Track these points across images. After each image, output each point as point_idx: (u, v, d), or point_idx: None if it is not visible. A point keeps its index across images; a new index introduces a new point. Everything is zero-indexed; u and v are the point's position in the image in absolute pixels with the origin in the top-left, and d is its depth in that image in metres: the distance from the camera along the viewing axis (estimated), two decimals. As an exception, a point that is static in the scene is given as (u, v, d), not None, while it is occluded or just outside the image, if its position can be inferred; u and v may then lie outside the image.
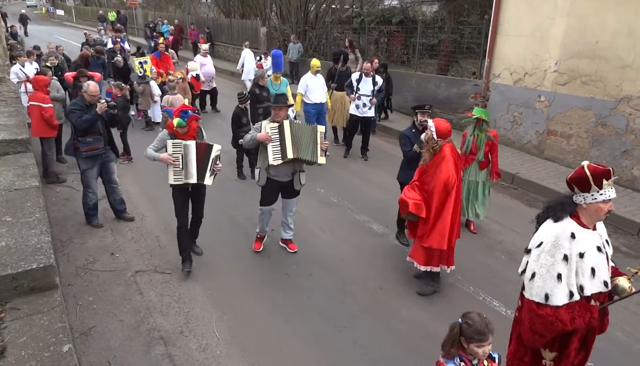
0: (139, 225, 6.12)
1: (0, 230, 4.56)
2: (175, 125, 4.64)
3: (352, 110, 8.47)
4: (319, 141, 5.00)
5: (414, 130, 5.32)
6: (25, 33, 30.22)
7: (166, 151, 4.66)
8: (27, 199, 5.29)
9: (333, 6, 17.74)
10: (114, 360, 3.83)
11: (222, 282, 4.94)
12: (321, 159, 5.03)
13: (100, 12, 36.03)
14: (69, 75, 8.98)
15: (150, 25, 24.54)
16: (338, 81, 8.95)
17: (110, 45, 14.53)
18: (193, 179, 4.67)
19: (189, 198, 5.00)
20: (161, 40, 13.38)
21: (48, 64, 9.58)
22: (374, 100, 8.33)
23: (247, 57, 13.84)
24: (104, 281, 4.87)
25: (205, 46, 11.83)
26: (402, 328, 4.29)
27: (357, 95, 8.24)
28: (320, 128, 5.09)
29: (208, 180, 4.78)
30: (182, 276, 4.98)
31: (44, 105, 7.08)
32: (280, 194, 5.28)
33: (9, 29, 16.50)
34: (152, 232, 5.94)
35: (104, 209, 6.52)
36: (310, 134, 4.98)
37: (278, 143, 4.88)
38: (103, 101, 5.68)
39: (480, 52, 10.13)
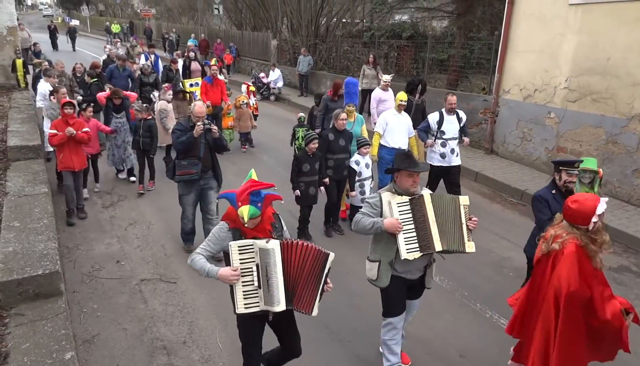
0: (146, 233, 6.13)
1: (8, 235, 4.60)
2: (245, 218, 2.84)
3: (435, 160, 6.59)
4: (464, 219, 3.43)
5: (554, 191, 4.00)
6: (73, 48, 28.60)
7: (227, 261, 2.98)
8: (36, 205, 5.34)
9: (344, 20, 17.90)
10: (116, 368, 3.81)
11: (226, 292, 4.86)
12: (470, 245, 3.42)
13: (107, 23, 36.19)
14: (101, 96, 7.86)
15: (165, 37, 24.57)
16: (414, 116, 7.34)
17: (143, 61, 13.36)
18: (278, 306, 2.87)
19: (264, 326, 3.24)
20: (213, 61, 11.72)
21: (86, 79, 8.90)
22: (467, 140, 6.60)
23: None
24: (109, 289, 4.86)
25: (387, 77, 8.57)
26: (408, 343, 4.22)
27: (440, 141, 6.49)
28: (464, 199, 3.48)
29: (315, 310, 2.98)
30: (186, 286, 4.96)
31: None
32: None
33: (32, 47, 15.66)
34: (158, 240, 5.95)
35: (111, 217, 6.55)
36: (454, 209, 3.43)
37: (413, 228, 3.36)
38: (200, 123, 5.05)
39: (490, 68, 10.12)
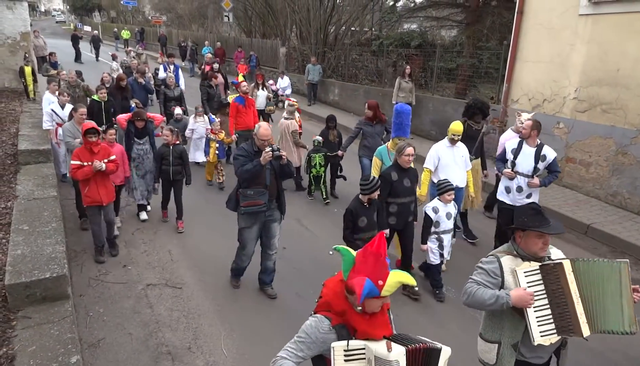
0: (152, 238, 6.16)
1: (17, 238, 4.65)
2: (412, 281, 2.16)
3: (500, 194, 5.66)
4: (627, 290, 2.60)
5: None
6: (97, 57, 25.95)
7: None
8: (45, 209, 5.39)
9: (352, 28, 17.97)
10: (120, 373, 3.81)
11: (232, 299, 4.91)
12: (635, 325, 2.59)
13: (115, 29, 36.07)
14: (122, 118, 6.51)
15: (182, 45, 24.31)
16: (469, 143, 6.15)
17: (162, 74, 12.05)
18: None
19: None
20: (240, 78, 10.32)
21: (96, 97, 7.70)
22: (536, 181, 5.31)
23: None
24: (115, 293, 4.88)
25: (526, 116, 6.25)
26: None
27: (512, 172, 5.43)
28: (625, 264, 2.63)
29: None
30: (192, 291, 4.97)
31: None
32: None
33: (49, 57, 15.11)
34: (164, 246, 5.97)
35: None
36: (611, 279, 2.61)
37: (547, 303, 2.62)
38: (269, 149, 4.41)
39: (499, 77, 10.11)
